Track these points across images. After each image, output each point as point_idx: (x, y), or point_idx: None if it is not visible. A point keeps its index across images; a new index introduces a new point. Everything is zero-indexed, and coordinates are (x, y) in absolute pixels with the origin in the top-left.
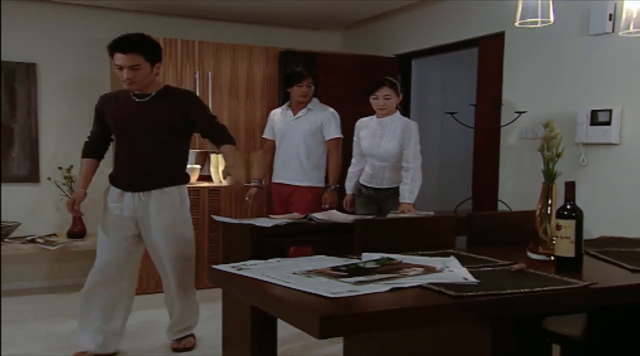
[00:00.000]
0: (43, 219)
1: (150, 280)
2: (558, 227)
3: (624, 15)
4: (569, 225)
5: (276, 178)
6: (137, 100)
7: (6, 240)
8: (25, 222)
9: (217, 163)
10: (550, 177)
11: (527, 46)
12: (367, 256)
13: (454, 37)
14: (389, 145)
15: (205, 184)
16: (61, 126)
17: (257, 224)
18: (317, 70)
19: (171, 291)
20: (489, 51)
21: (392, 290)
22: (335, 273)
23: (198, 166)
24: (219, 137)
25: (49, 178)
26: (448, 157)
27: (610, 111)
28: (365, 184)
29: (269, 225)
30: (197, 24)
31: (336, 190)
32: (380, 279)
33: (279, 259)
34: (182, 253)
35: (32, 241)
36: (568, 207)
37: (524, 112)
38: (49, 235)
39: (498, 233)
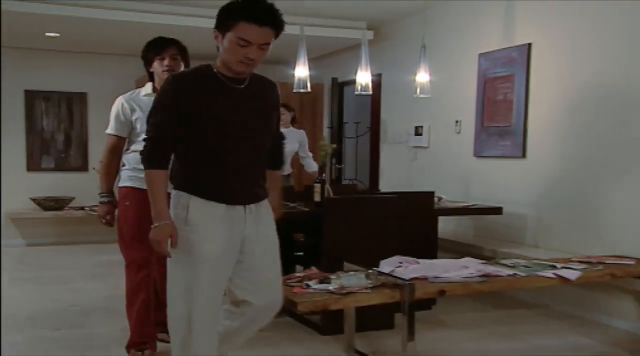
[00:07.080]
0: (91, 194)
1: None
2: (314, 188)
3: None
4: (318, 186)
5: (139, 183)
6: (234, 86)
7: (66, 208)
8: (78, 197)
9: None
10: (324, 164)
11: (394, 86)
12: None
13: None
14: (292, 146)
15: None
16: (102, 134)
17: None
18: (183, 44)
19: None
20: (376, 86)
21: None
22: None
23: None
24: (280, 156)
25: (94, 168)
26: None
27: (422, 126)
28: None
29: None
30: None
31: None
32: None
33: None
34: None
35: (82, 209)
36: (319, 178)
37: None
38: (95, 206)
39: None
